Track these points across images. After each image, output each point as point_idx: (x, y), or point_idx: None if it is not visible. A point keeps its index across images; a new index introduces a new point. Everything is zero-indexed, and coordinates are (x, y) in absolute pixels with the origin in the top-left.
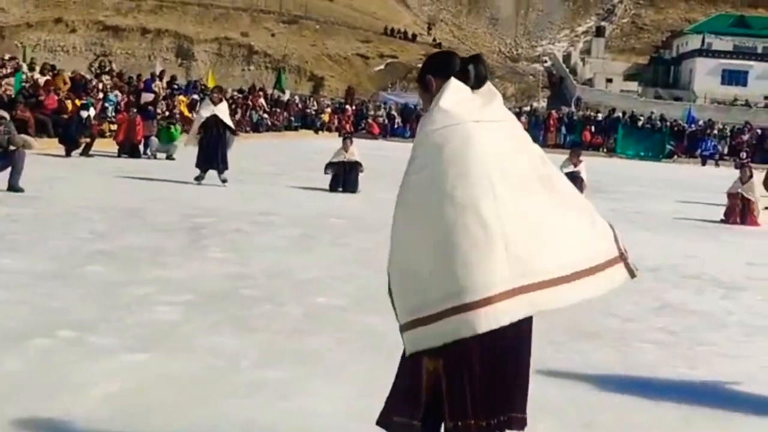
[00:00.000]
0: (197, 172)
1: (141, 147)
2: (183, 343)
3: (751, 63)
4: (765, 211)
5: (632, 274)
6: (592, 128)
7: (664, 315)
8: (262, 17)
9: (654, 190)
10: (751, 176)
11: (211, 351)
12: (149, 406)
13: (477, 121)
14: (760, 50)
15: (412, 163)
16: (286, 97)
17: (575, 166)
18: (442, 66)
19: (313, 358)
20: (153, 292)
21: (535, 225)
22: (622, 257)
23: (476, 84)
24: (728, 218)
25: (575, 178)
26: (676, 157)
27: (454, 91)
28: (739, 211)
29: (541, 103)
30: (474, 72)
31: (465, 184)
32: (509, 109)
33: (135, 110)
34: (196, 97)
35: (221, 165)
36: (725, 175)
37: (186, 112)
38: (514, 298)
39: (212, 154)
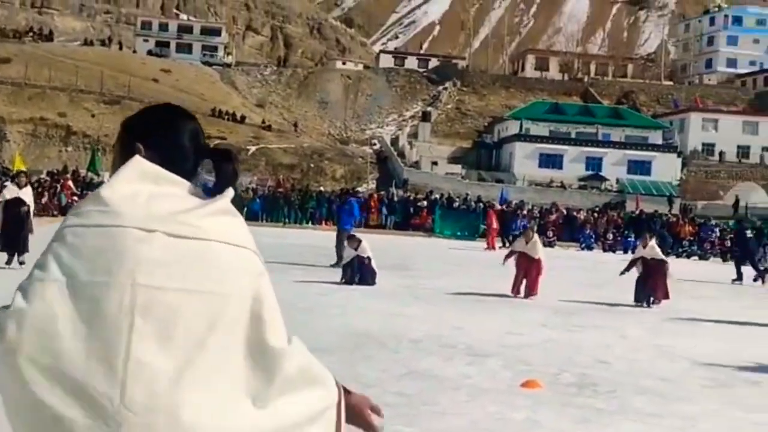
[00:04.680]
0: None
1: None
2: None
3: (565, 147)
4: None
5: None
6: (411, 209)
7: (405, 380)
8: (82, 97)
9: (455, 267)
10: (532, 237)
11: None
12: None
13: (149, 230)
14: (573, 135)
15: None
16: (100, 179)
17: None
18: (163, 132)
19: None
20: None
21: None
22: None
23: (217, 188)
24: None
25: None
26: None
27: (134, 177)
28: (523, 277)
29: (370, 185)
30: (218, 171)
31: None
32: (336, 191)
33: None
34: None
35: (21, 248)
36: None
37: None
38: None
39: (14, 237)
